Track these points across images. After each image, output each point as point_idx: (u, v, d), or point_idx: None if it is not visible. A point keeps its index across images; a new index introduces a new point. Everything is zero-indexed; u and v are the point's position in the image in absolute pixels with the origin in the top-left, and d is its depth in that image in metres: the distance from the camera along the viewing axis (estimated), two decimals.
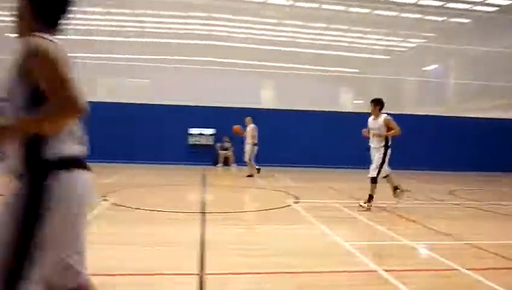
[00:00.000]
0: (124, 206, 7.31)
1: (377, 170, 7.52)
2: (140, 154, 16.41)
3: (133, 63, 19.32)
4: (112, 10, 19.07)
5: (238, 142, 15.69)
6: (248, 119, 13.22)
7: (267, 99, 20.16)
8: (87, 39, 18.47)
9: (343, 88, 21.62)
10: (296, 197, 8.97)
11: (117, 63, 19.27)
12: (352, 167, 15.87)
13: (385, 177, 7.78)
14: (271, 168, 15.81)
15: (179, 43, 19.50)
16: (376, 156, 7.60)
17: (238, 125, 13.44)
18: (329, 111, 18.23)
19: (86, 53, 17.88)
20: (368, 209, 7.42)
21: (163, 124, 16.47)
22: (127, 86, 20.26)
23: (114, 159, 15.55)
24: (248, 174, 13.25)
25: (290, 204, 8.15)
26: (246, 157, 13.27)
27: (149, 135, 16.39)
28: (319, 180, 12.99)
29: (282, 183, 12.13)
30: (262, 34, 20.73)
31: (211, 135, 17.23)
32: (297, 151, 17.17)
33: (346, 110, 19.09)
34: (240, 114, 13.88)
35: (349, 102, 21.37)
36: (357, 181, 10.99)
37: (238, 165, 16.58)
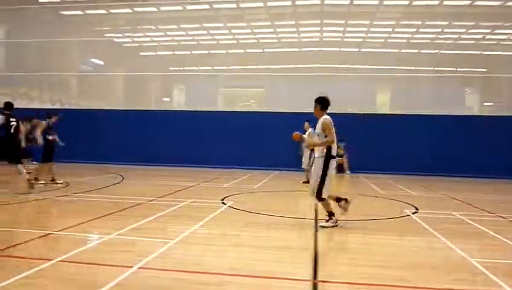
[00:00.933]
0: (241, 209, 7.66)
1: (317, 185, 6.22)
2: (260, 160, 16.95)
3: (248, 73, 20.22)
4: (231, 24, 20.25)
5: (353, 148, 15.40)
6: (307, 124, 12.66)
7: (381, 103, 19.42)
8: (211, 53, 19.89)
9: (469, 89, 19.80)
10: (415, 207, 8.47)
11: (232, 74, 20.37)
12: (481, 177, 14.46)
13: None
14: (387, 176, 15.13)
15: (292, 52, 19.87)
16: (315, 167, 6.34)
17: (297, 132, 13.24)
18: (452, 115, 16.87)
19: (212, 66, 19.22)
20: (334, 226, 6.25)
21: (279, 131, 16.85)
22: (244, 95, 21.30)
23: (233, 165, 16.34)
24: (304, 180, 12.84)
25: (409, 214, 7.73)
26: (305, 164, 12.90)
27: (266, 141, 16.89)
28: (441, 189, 12.06)
29: (398, 191, 11.55)
30: (376, 38, 20.08)
31: None
32: (414, 158, 16.21)
33: (473, 114, 17.47)
34: (355, 120, 13.61)
35: (476, 104, 19.48)
36: (486, 192, 9.96)
37: (352, 172, 16.27)
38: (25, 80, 21.08)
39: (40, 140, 10.50)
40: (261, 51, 20.65)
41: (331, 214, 6.34)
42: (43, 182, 10.42)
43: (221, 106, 20.85)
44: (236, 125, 17.34)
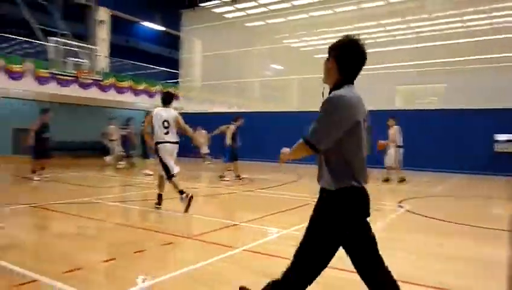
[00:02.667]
0: (419, 214, 7.18)
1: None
2: (446, 161, 15.54)
3: (426, 69, 18.75)
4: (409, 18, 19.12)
5: None
6: (391, 121, 11.66)
7: None
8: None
9: None
10: None
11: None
12: None
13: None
14: None
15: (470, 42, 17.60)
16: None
17: (381, 141, 11.28)
18: None
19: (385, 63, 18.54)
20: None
21: (464, 130, 15.19)
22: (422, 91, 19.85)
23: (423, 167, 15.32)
24: (399, 179, 11.85)
25: None
26: (389, 162, 11.84)
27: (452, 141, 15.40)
28: None
29: None
30: None
31: None
32: None
33: None
34: None
35: None
36: None
37: None
38: (221, 88, 23.92)
39: (229, 142, 11.84)
40: (443, 43, 18.88)
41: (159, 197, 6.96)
42: (228, 179, 11.67)
43: (398, 104, 19.87)
44: (415, 124, 16.25)
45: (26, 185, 10.13)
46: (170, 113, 7.00)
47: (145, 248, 4.60)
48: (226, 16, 23.53)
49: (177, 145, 6.95)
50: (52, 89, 17.88)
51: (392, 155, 11.84)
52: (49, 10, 16.49)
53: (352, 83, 2.43)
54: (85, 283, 3.48)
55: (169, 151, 6.82)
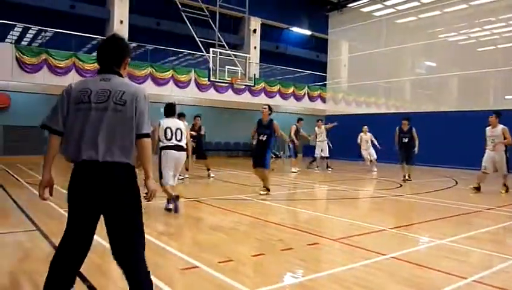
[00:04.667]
0: None
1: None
2: None
3: None
4: None
5: None
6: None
7: None
8: None
9: None
10: None
11: None
12: None
13: None
14: None
15: None
16: None
17: None
18: None
19: None
20: None
21: None
22: None
23: None
24: None
25: None
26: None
27: None
28: None
29: None
30: None
31: None
32: None
33: None
34: None
35: None
36: None
37: None
38: (368, 88, 23.31)
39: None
40: None
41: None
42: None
43: None
44: None
45: (194, 181, 11.38)
46: None
47: (292, 246, 4.75)
48: (375, 14, 22.78)
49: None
50: (210, 95, 19.79)
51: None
52: (208, 24, 18.27)
53: None
54: (236, 274, 3.76)
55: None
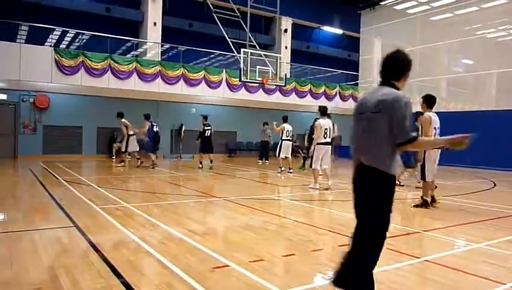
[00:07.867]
0: None
1: None
2: None
3: None
4: None
5: None
6: None
7: None
8: None
9: None
10: None
11: None
12: None
13: None
14: None
15: None
16: None
17: None
18: None
19: None
20: None
21: None
22: None
23: None
24: None
25: None
26: None
27: None
28: None
29: None
30: None
31: None
32: None
33: None
34: None
35: None
36: None
37: None
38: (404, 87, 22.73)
39: None
40: None
41: None
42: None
43: None
44: None
45: (213, 177, 11.47)
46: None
47: (322, 247, 4.72)
48: (408, 11, 22.26)
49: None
50: (241, 95, 19.87)
51: None
52: (240, 25, 18.37)
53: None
54: (266, 273, 3.77)
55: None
